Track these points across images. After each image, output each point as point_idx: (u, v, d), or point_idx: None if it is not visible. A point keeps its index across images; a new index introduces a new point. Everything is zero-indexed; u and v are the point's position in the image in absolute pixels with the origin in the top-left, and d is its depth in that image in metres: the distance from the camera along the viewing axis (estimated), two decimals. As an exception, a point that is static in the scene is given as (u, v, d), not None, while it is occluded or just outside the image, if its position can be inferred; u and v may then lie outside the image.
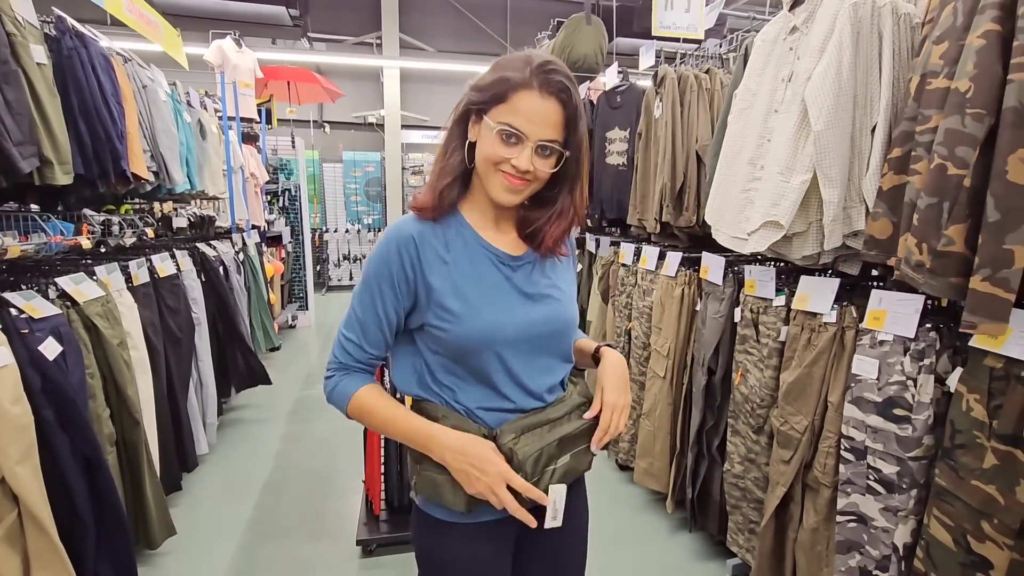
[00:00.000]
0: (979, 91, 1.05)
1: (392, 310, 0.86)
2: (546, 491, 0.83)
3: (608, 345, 0.98)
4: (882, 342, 1.33)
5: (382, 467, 2.16)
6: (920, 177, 1.18)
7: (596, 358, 0.98)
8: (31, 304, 1.50)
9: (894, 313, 1.31)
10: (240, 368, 3.13)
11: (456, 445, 0.82)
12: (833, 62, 1.36)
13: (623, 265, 2.67)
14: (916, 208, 1.17)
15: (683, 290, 2.20)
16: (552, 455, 0.85)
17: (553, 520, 0.84)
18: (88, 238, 2.03)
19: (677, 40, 3.09)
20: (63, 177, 1.75)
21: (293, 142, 5.90)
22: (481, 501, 0.83)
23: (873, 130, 1.36)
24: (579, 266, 3.34)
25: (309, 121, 8.18)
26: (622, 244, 2.70)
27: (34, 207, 2.08)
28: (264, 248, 4.50)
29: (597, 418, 0.90)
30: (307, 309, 5.71)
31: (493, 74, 0.82)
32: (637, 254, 2.54)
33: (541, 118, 0.79)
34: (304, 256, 5.71)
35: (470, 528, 0.89)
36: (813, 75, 1.41)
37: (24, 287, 1.60)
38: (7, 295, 1.48)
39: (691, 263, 2.22)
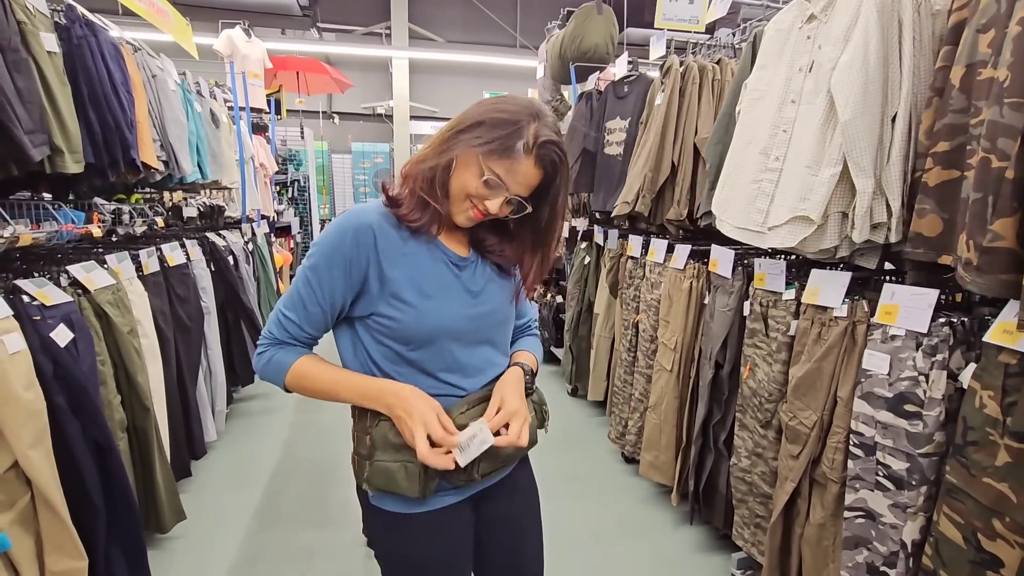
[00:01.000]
0: (1016, 80, 1.02)
1: (339, 295, 0.88)
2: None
3: (519, 364, 1.00)
4: (894, 337, 1.31)
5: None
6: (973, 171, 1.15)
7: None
8: (43, 291, 1.52)
9: (907, 308, 1.29)
10: (249, 358, 3.16)
11: (399, 391, 0.86)
12: (859, 50, 1.33)
13: (631, 257, 2.65)
14: (965, 203, 1.13)
15: (691, 283, 2.19)
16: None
17: (460, 453, 0.84)
18: (99, 227, 2.05)
19: (684, 30, 3.05)
20: (74, 166, 1.76)
21: (302, 133, 5.92)
22: (435, 485, 0.87)
23: (893, 119, 1.33)
24: (587, 258, 3.33)
25: (318, 112, 8.18)
26: (631, 236, 2.69)
27: (46, 196, 2.10)
28: (273, 238, 4.52)
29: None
30: (316, 299, 5.73)
31: (504, 128, 0.85)
32: (645, 247, 2.52)
33: (525, 181, 0.88)
34: (313, 247, 5.73)
35: (428, 517, 0.91)
36: (839, 64, 1.38)
37: (36, 275, 1.62)
38: (20, 282, 1.50)
39: (699, 256, 2.20)
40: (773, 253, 1.95)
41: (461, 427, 0.86)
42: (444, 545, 0.93)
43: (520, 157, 0.85)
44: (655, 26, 2.99)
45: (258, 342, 0.93)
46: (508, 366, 1.01)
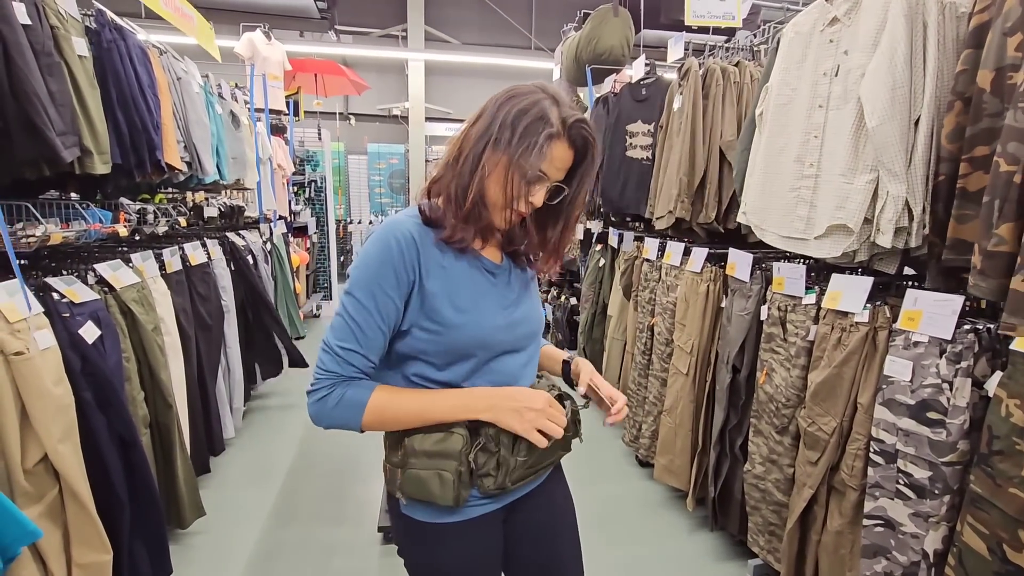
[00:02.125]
0: None
1: (395, 310, 0.84)
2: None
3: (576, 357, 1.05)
4: (916, 343, 1.29)
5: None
6: None
7: (566, 364, 1.06)
8: (72, 289, 1.56)
9: (930, 314, 1.28)
10: (275, 353, 3.21)
11: (505, 392, 0.87)
12: (886, 55, 1.32)
13: (647, 260, 2.64)
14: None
15: (708, 286, 2.18)
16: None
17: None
18: (125, 226, 2.10)
19: (707, 31, 3.02)
20: (102, 166, 1.81)
21: (319, 134, 5.99)
22: (468, 493, 0.86)
23: (916, 123, 1.32)
24: (602, 261, 3.32)
25: (335, 113, 8.27)
26: (646, 239, 2.68)
27: (74, 195, 2.15)
28: (290, 238, 4.58)
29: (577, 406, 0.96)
30: (331, 299, 5.80)
31: (531, 120, 0.82)
32: (662, 249, 2.51)
33: (562, 165, 0.87)
34: (329, 247, 5.80)
35: (460, 527, 0.89)
36: (868, 71, 1.37)
37: (65, 272, 1.66)
38: (50, 280, 1.54)
39: (717, 259, 2.19)
40: (792, 257, 1.93)
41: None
42: (475, 556, 0.92)
43: (556, 144, 0.84)
44: (685, 23, 2.94)
45: (311, 389, 0.85)
46: (560, 360, 1.05)
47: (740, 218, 1.93)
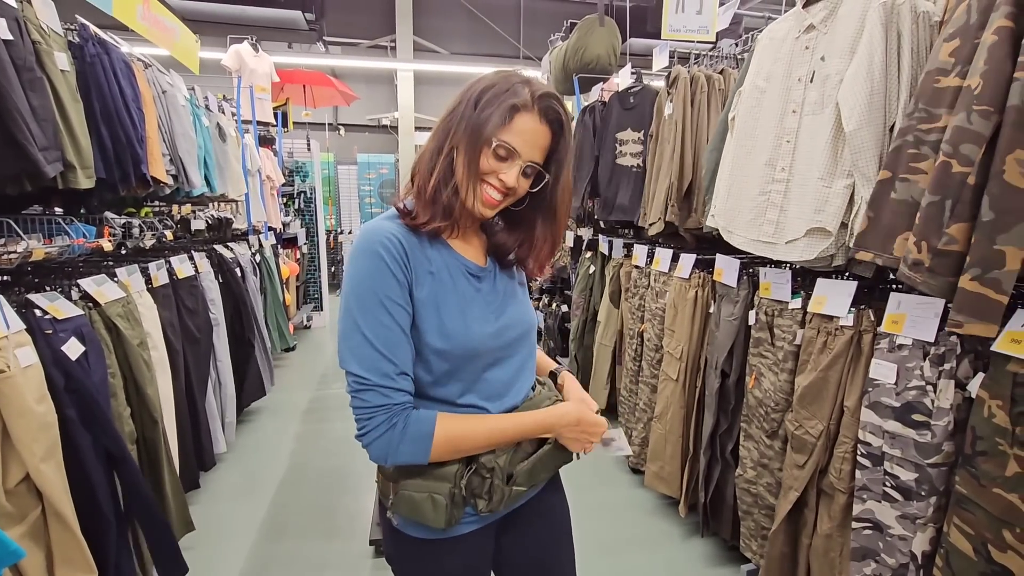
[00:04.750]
0: (987, 88, 1.04)
1: (407, 318, 0.80)
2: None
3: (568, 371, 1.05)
4: (901, 346, 1.31)
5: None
6: (925, 176, 1.17)
7: (553, 376, 1.05)
8: (55, 305, 1.54)
9: (913, 317, 1.29)
10: (256, 378, 3.18)
11: (571, 418, 0.90)
12: (864, 61, 1.35)
13: (636, 267, 2.65)
14: (918, 206, 1.16)
15: (697, 292, 2.19)
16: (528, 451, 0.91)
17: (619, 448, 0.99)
18: (109, 240, 2.08)
19: (690, 41, 3.06)
20: (85, 181, 1.79)
21: (308, 145, 5.97)
22: (460, 515, 0.85)
23: (891, 129, 1.34)
24: (592, 268, 3.33)
25: (324, 124, 8.27)
26: (635, 246, 2.69)
27: (58, 210, 2.13)
28: (280, 250, 4.56)
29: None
30: (322, 310, 5.77)
31: (495, 94, 0.80)
32: (650, 256, 2.53)
33: (534, 140, 0.82)
34: (319, 257, 5.77)
35: (449, 543, 0.89)
36: (846, 76, 1.39)
37: (48, 288, 1.64)
38: (32, 296, 1.52)
39: (705, 265, 2.20)
40: (779, 262, 1.95)
41: None
42: (468, 566, 0.92)
43: (524, 116, 0.80)
44: (661, 38, 2.99)
45: (361, 430, 0.79)
46: (549, 371, 1.04)
47: (709, 220, 1.94)
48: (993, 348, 1.12)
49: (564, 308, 4.13)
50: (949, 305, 1.27)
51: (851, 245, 1.38)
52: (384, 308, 0.78)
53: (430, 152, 0.84)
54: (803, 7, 1.59)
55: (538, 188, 0.87)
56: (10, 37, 1.51)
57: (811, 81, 1.52)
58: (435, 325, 0.82)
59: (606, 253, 3.15)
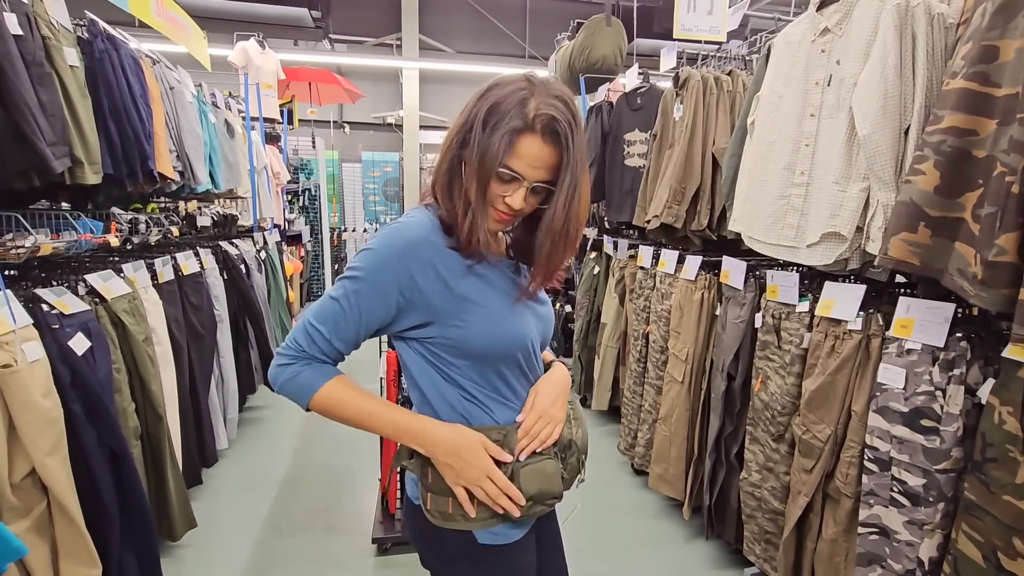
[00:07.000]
0: None
1: (378, 319, 0.83)
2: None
3: (559, 361, 1.02)
4: (910, 351, 1.30)
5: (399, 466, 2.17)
6: (924, 178, 1.16)
7: (547, 368, 1.01)
8: (61, 300, 1.54)
9: (923, 321, 1.28)
10: (249, 375, 3.18)
11: (449, 439, 0.83)
12: (878, 64, 1.34)
13: (641, 268, 2.64)
14: (916, 207, 1.16)
15: (703, 294, 2.18)
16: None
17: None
18: (116, 236, 2.08)
19: (699, 41, 3.05)
20: (93, 177, 1.80)
21: (313, 142, 5.98)
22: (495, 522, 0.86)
23: (907, 132, 1.33)
24: (596, 268, 3.33)
25: (329, 121, 8.27)
26: (641, 247, 2.68)
27: (65, 205, 2.14)
28: (284, 247, 4.56)
29: None
30: (325, 307, 5.77)
31: (500, 116, 0.79)
32: (656, 257, 2.52)
33: (540, 163, 0.80)
34: (323, 255, 5.78)
35: (522, 543, 0.91)
36: (859, 80, 1.38)
37: (55, 284, 1.64)
38: (39, 291, 1.53)
39: (711, 267, 2.19)
40: (785, 265, 1.94)
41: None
42: (529, 569, 0.93)
43: (526, 138, 0.78)
44: (673, 38, 2.98)
45: (279, 351, 0.85)
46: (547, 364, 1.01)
47: (730, 225, 1.93)
48: (1004, 354, 1.11)
49: (568, 308, 4.12)
50: (959, 312, 1.26)
51: (866, 249, 1.37)
52: (359, 291, 0.81)
53: (447, 169, 0.85)
54: (817, 10, 1.58)
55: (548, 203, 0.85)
56: (20, 32, 1.52)
57: (828, 85, 1.52)
58: (482, 306, 0.84)
59: (611, 253, 3.14)
